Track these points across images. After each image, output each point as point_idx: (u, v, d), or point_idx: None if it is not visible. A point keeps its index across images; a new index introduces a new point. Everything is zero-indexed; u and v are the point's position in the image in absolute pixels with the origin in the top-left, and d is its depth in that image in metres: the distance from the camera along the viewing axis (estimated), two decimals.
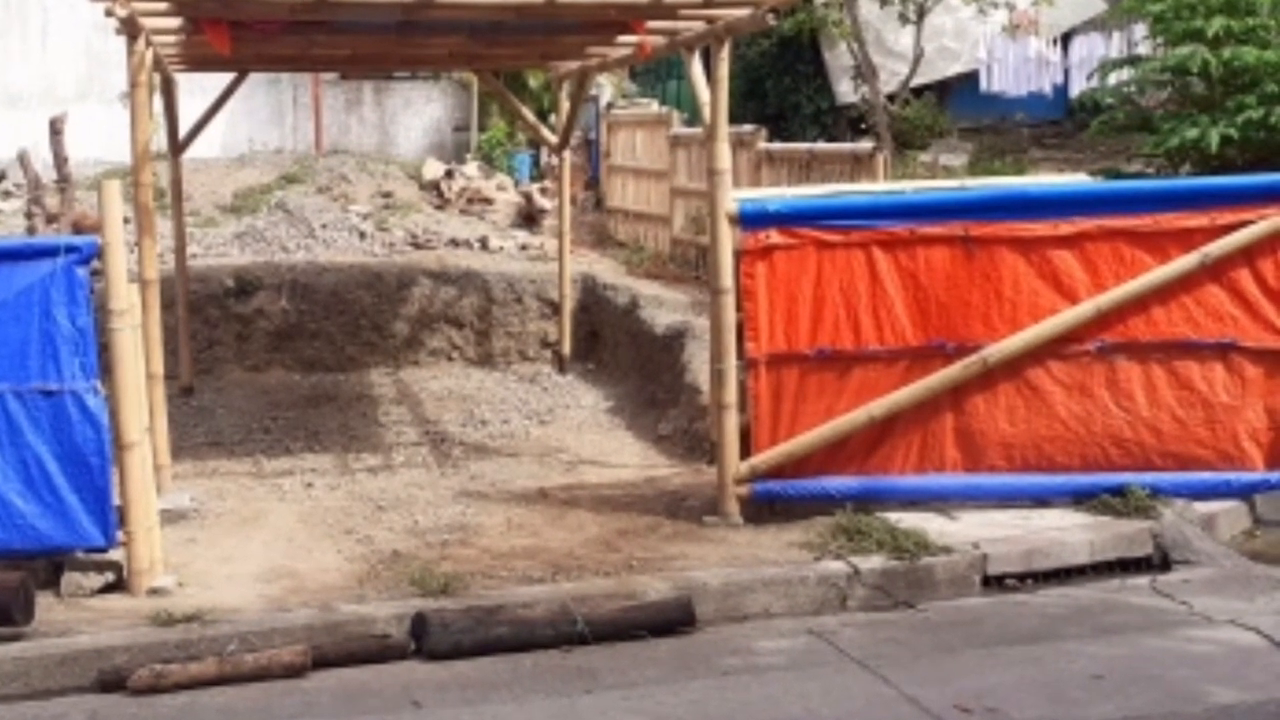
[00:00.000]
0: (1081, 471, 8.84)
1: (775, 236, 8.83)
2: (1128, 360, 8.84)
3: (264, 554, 8.52)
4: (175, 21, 9.53)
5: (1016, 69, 19.90)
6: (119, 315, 7.64)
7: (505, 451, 11.43)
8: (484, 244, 16.74)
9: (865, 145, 13.61)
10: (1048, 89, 19.99)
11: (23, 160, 15.57)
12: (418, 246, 16.60)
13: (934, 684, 6.37)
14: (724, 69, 9.16)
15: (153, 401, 8.71)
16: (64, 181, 15.23)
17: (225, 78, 13.63)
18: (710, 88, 9.19)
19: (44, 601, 7.34)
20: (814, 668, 6.72)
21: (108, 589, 7.66)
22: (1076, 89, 19.44)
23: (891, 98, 18.49)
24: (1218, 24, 13.72)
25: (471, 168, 19.40)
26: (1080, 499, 8.77)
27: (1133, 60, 16.20)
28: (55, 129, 15.09)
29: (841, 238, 8.85)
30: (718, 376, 9.22)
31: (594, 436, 12.00)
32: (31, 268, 7.51)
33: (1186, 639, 6.93)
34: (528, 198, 18.41)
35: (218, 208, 17.84)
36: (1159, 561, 8.23)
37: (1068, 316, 8.79)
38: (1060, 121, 20.62)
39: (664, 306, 13.90)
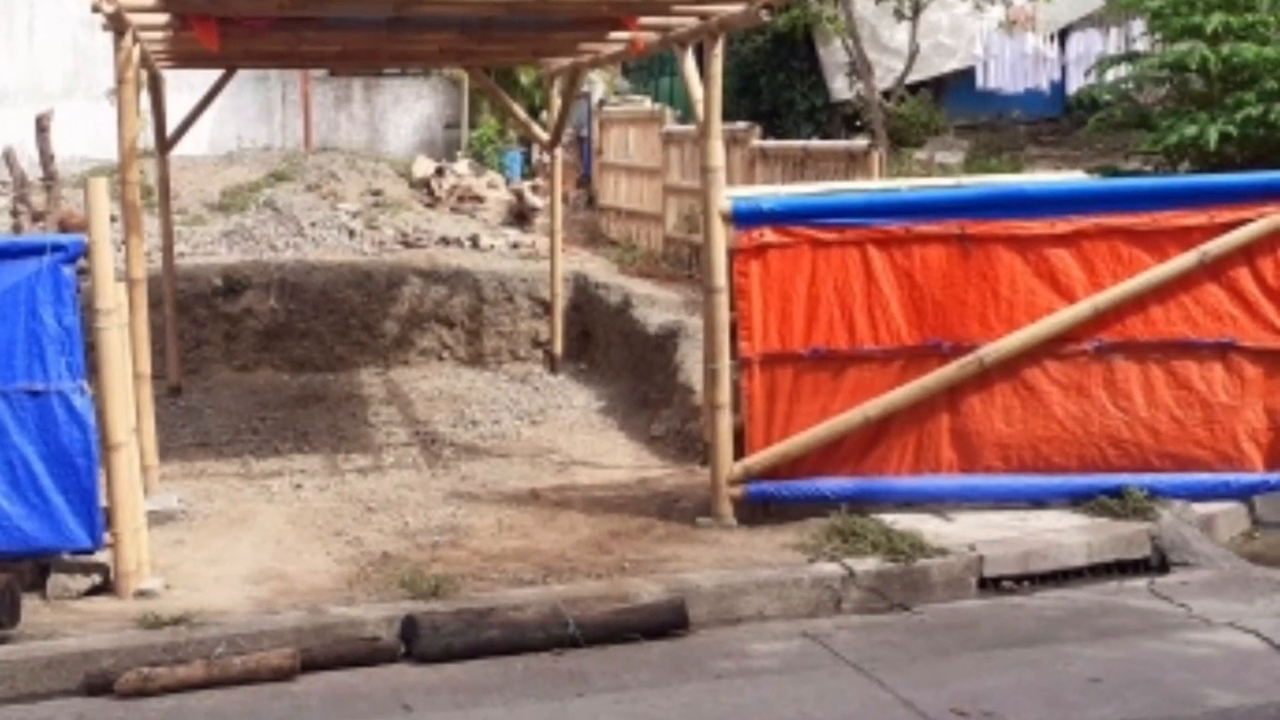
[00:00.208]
0: (1079, 472, 8.80)
1: (769, 235, 8.79)
2: (1125, 360, 8.80)
3: (252, 556, 8.48)
4: (163, 17, 9.48)
5: (1013, 65, 19.84)
6: (106, 314, 7.59)
7: (496, 452, 11.38)
8: (475, 242, 16.69)
9: (860, 143, 13.55)
10: (1045, 86, 19.94)
11: (8, 158, 15.53)
12: (408, 245, 16.55)
13: (929, 687, 6.33)
14: (717, 65, 9.13)
15: (140, 402, 8.65)
16: (50, 179, 15.21)
17: (213, 74, 13.57)
18: (703, 84, 9.15)
19: (30, 604, 7.28)
20: (808, 671, 6.68)
21: (94, 591, 7.62)
22: (1074, 86, 19.36)
23: (887, 94, 18.41)
24: (1216, 20, 13.68)
25: (462, 165, 19.34)
26: (1077, 500, 8.73)
27: (1131, 57, 16.14)
28: (41, 126, 15.07)
29: (836, 236, 8.81)
30: (711, 376, 9.16)
31: (586, 437, 11.95)
32: (17, 266, 7.48)
33: (1185, 642, 6.90)
34: (519, 196, 18.36)
35: (205, 206, 17.75)
36: (1157, 563, 8.20)
37: (1065, 316, 8.75)
38: (1057, 118, 20.59)
39: (657, 305, 13.85)
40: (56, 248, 7.53)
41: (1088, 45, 19.44)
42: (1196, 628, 7.09)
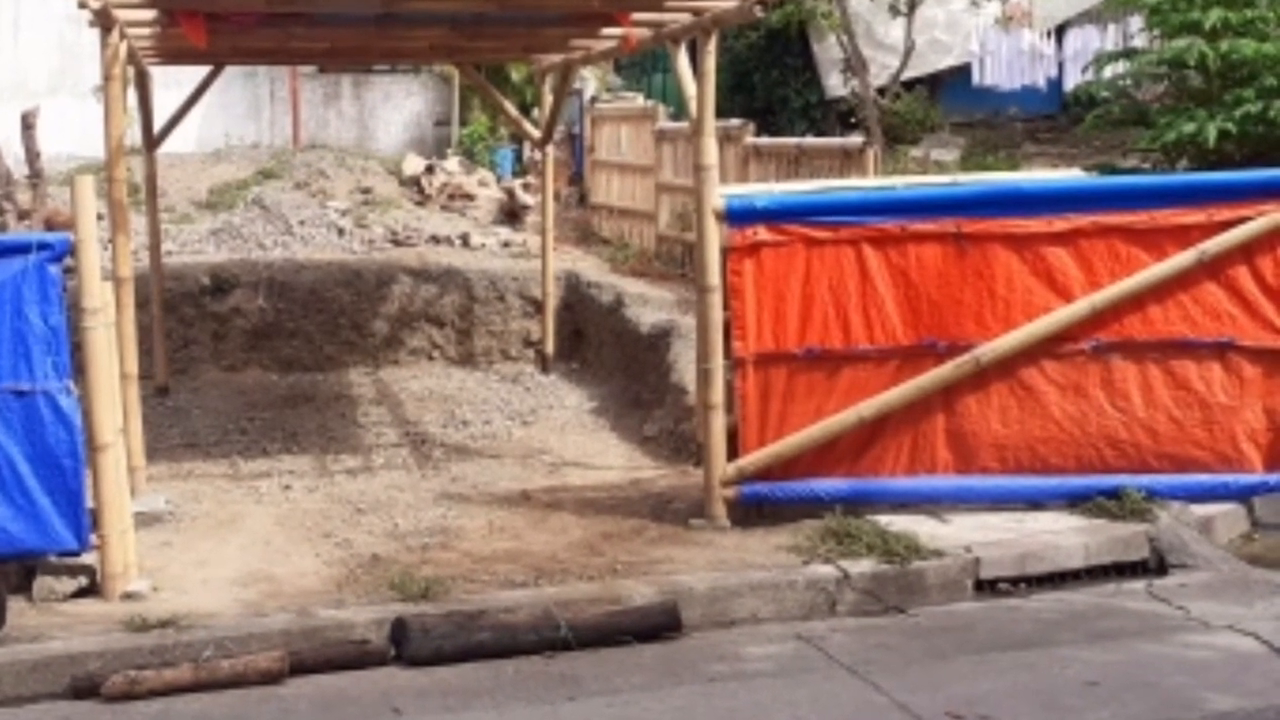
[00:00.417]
0: (1076, 473, 8.74)
1: (763, 233, 8.73)
2: (1123, 360, 8.75)
3: (240, 558, 8.43)
4: (150, 14, 9.50)
5: (1010, 62, 19.79)
6: (92, 314, 7.54)
7: (487, 453, 11.33)
8: (465, 241, 16.64)
9: (855, 140, 13.50)
10: (1041, 82, 19.88)
11: None
12: (398, 243, 16.48)
13: (925, 691, 6.30)
14: (710, 62, 9.11)
15: (127, 402, 8.65)
16: (36, 177, 15.17)
17: (201, 71, 13.51)
18: (696, 81, 9.13)
19: (15, 606, 7.25)
20: (802, 674, 6.65)
21: (81, 593, 7.58)
22: (1071, 82, 19.32)
23: (882, 91, 18.41)
24: (1215, 16, 13.67)
25: (453, 163, 19.27)
26: (1075, 501, 8.68)
27: (1128, 53, 16.14)
28: (27, 124, 15.04)
29: (831, 234, 8.75)
30: (704, 376, 9.12)
31: (578, 438, 11.90)
32: (3, 265, 7.43)
33: (1183, 645, 6.87)
34: (510, 194, 18.30)
35: (193, 204, 17.67)
36: (1155, 565, 8.16)
37: (1062, 315, 8.69)
38: (1054, 116, 20.53)
39: (649, 305, 13.82)
40: (42, 246, 7.49)
41: (1085, 41, 19.42)
42: (1195, 630, 7.06)
